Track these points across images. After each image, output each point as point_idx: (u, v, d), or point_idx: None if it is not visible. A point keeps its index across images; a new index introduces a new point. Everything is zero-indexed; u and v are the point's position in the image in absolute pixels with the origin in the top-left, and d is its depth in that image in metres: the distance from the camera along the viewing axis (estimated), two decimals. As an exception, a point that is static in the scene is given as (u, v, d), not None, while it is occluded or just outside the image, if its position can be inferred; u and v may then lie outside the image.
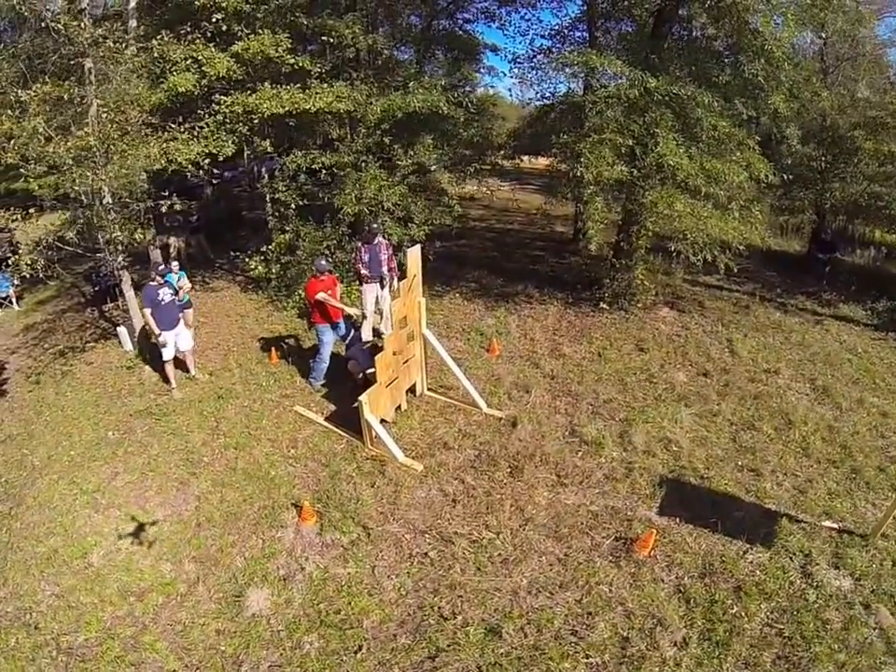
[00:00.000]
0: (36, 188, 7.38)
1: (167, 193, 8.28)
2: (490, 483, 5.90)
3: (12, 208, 7.23)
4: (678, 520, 5.36)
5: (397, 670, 4.14)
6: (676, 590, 4.66)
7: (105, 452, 6.63)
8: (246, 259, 10.18)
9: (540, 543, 5.16)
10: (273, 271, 10.14)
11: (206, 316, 10.17)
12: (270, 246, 10.08)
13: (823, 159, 11.55)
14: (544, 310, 10.10)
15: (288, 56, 9.01)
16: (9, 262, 7.98)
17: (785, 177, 9.68)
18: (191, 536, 5.40)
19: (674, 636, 4.32)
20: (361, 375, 7.46)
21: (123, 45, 7.70)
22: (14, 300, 11.49)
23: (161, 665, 4.27)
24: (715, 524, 5.26)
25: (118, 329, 8.89)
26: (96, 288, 10.50)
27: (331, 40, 9.17)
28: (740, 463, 6.16)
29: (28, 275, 7.13)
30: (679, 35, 9.09)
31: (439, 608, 4.58)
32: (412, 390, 7.36)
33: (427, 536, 5.29)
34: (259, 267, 10.08)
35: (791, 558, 4.92)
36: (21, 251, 7.99)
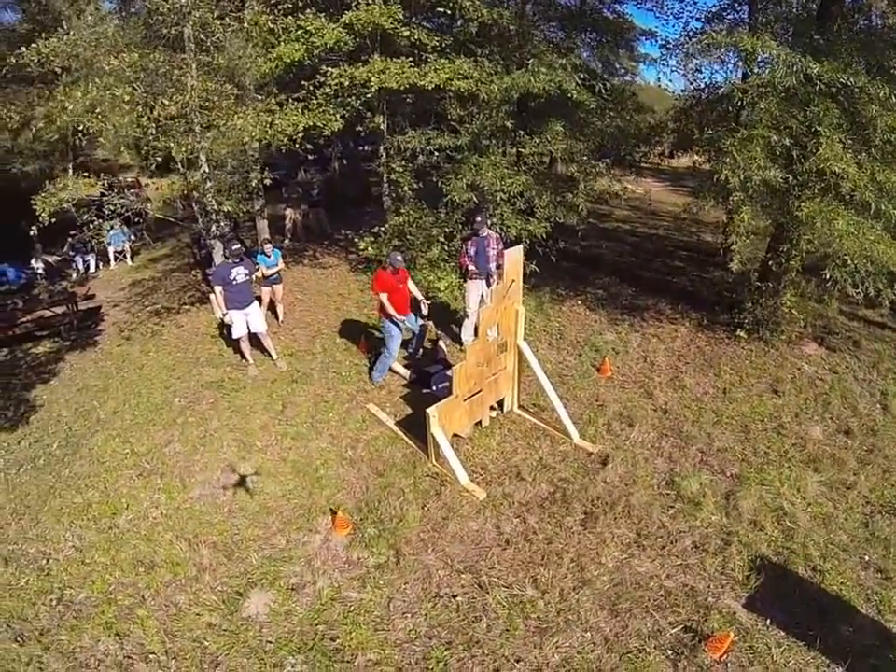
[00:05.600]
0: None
1: (301, 162, 9.09)
2: (555, 528, 5.55)
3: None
4: (768, 621, 4.65)
5: None
6: None
7: (167, 417, 7.37)
8: (356, 239, 10.71)
9: (590, 614, 4.72)
10: (384, 252, 10.46)
11: (305, 293, 10.89)
12: (383, 227, 10.53)
13: None
14: (673, 330, 9.56)
15: (402, 28, 9.36)
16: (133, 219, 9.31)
17: None
18: (218, 521, 5.74)
19: None
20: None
21: (220, 15, 8.42)
22: (129, 255, 13.40)
23: (143, 644, 4.55)
24: (814, 637, 4.49)
25: (211, 294, 9.82)
26: (203, 252, 11.71)
27: (448, 11, 9.36)
28: (867, 558, 5.28)
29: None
30: (851, 18, 8.27)
31: (445, 664, 4.36)
32: (499, 405, 7.26)
33: (462, 577, 5.08)
34: (370, 248, 10.55)
35: None
36: (150, 209, 9.27)
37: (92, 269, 14.21)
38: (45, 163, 17.00)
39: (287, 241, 13.60)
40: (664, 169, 24.14)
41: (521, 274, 6.63)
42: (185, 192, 9.11)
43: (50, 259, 14.28)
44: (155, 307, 10.37)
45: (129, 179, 11.27)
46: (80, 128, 7.90)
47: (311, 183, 15.50)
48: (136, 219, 12.26)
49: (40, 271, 13.54)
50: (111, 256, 14.40)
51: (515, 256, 6.43)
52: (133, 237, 13.85)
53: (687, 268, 12.69)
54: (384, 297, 7.47)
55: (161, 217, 9.11)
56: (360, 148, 18.30)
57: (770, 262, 9.12)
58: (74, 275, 13.82)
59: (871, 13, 8.49)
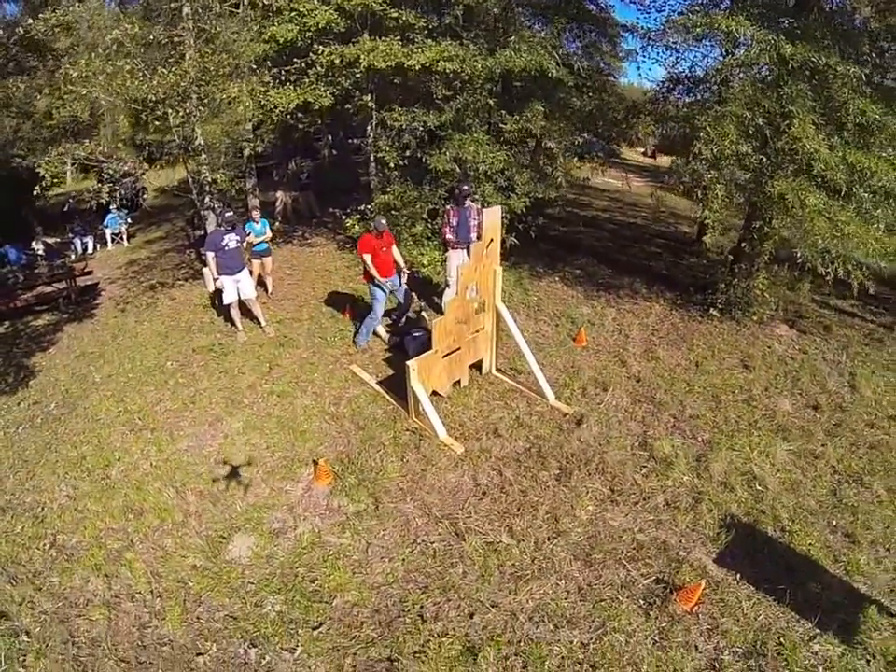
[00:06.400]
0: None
1: (291, 153, 9.14)
2: (531, 482, 5.49)
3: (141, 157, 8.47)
4: (738, 576, 4.58)
5: (348, 660, 3.95)
6: (709, 664, 3.93)
7: (159, 379, 7.33)
8: (343, 217, 10.65)
9: (565, 564, 4.64)
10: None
11: (294, 269, 10.83)
12: (369, 206, 10.48)
13: None
14: (647, 307, 9.49)
15: (391, 10, 9.34)
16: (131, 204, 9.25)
17: None
18: (205, 470, 5.70)
19: (687, 723, 3.60)
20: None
21: None
22: (125, 237, 13.37)
23: (130, 584, 4.54)
24: (784, 592, 4.42)
25: (203, 269, 9.73)
26: (198, 232, 11.62)
27: None
28: (835, 523, 5.20)
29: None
30: (828, 9, 8.24)
31: (421, 606, 4.30)
32: (477, 367, 7.17)
33: (439, 525, 5.02)
34: (357, 226, 10.51)
35: (868, 661, 3.99)
36: (145, 196, 9.20)
37: (90, 250, 14.09)
38: (49, 146, 16.93)
39: (277, 223, 13.43)
40: (645, 166, 24.42)
41: (499, 235, 6.52)
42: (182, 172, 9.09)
43: (50, 240, 14.13)
44: (150, 282, 10.36)
45: (125, 167, 11.15)
46: (84, 94, 7.80)
47: (300, 168, 15.45)
48: (137, 194, 12.19)
49: (40, 252, 13.40)
50: (108, 238, 14.30)
51: (494, 217, 6.32)
52: (129, 220, 13.81)
53: (663, 254, 12.62)
54: (367, 258, 7.39)
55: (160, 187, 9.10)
56: (349, 141, 18.29)
57: (743, 244, 9.10)
58: (72, 256, 13.69)
59: (854, 16, 8.31)
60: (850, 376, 7.65)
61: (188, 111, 8.19)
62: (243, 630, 4.16)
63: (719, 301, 9.11)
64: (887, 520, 5.21)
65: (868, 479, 5.70)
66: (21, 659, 4.05)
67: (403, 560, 4.71)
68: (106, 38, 7.62)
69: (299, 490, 5.46)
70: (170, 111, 8.02)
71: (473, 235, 7.91)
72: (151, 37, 7.92)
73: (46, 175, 7.82)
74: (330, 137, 16.91)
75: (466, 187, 8.07)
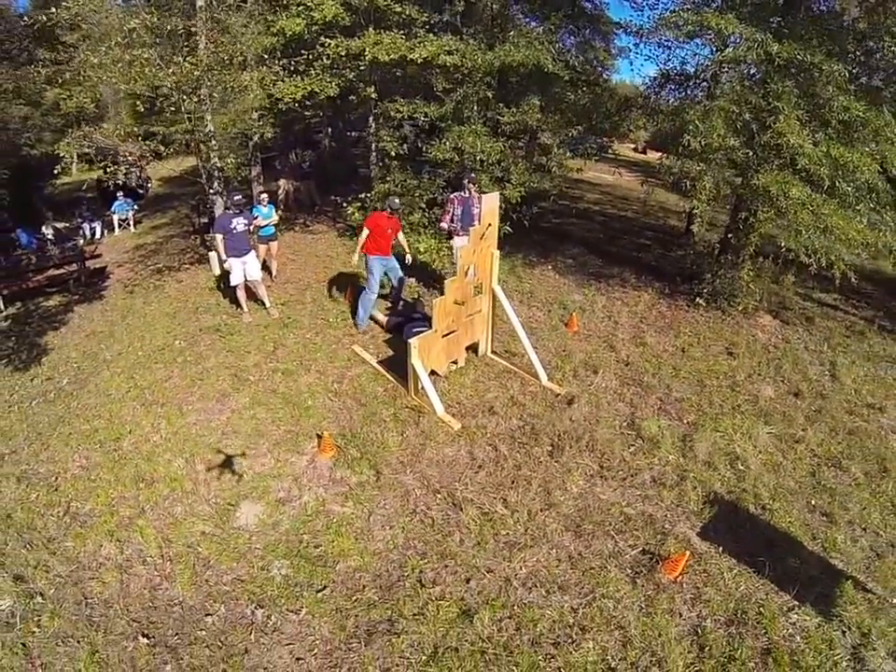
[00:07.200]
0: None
1: (292, 144, 9.19)
2: (524, 457, 5.52)
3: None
4: (720, 549, 4.61)
5: (351, 621, 3.98)
6: (692, 630, 3.98)
7: (168, 357, 7.29)
8: (345, 205, 10.61)
9: (556, 534, 4.68)
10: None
11: (297, 254, 10.77)
12: (370, 194, 10.43)
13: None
14: (636, 296, 9.48)
15: (395, 4, 9.31)
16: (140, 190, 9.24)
17: None
18: (213, 441, 5.69)
19: (670, 683, 3.65)
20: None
21: None
22: (132, 223, 13.33)
23: (141, 549, 4.54)
24: (764, 565, 4.46)
25: (209, 253, 9.67)
26: (202, 219, 11.56)
27: None
28: (814, 503, 5.22)
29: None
30: (816, 9, 8.23)
31: (420, 572, 4.34)
32: (474, 349, 7.16)
33: (438, 496, 5.04)
34: (357, 213, 10.47)
35: (843, 632, 4.03)
36: (150, 185, 9.16)
37: (98, 235, 13.95)
38: (56, 138, 16.82)
39: (279, 211, 13.33)
40: (636, 161, 24.46)
41: (497, 220, 6.50)
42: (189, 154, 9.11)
43: (59, 225, 13.99)
44: (157, 266, 10.31)
45: (130, 157, 11.07)
46: (105, 79, 7.82)
47: (303, 158, 15.35)
48: (143, 182, 12.15)
49: (50, 236, 13.25)
50: (115, 224, 14.17)
51: (492, 202, 6.29)
52: (135, 207, 13.77)
53: (652, 246, 12.60)
54: (364, 233, 7.43)
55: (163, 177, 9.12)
56: (349, 134, 18.20)
57: (730, 236, 9.07)
58: (81, 241, 13.54)
59: (842, 16, 8.19)
60: (831, 366, 7.64)
61: (200, 98, 8.15)
62: (250, 592, 4.19)
63: (705, 290, 9.09)
64: (863, 501, 5.22)
65: (846, 463, 5.71)
66: (35, 619, 4.05)
67: (403, 528, 4.74)
68: (125, 27, 7.59)
69: (303, 462, 5.46)
70: (184, 98, 7.99)
71: (477, 223, 7.93)
72: (168, 27, 7.89)
73: (66, 157, 7.92)
74: (330, 130, 16.76)
75: (473, 175, 8.13)
